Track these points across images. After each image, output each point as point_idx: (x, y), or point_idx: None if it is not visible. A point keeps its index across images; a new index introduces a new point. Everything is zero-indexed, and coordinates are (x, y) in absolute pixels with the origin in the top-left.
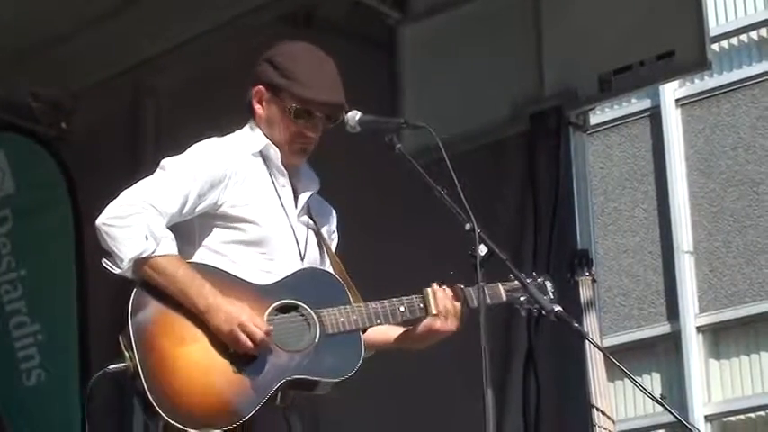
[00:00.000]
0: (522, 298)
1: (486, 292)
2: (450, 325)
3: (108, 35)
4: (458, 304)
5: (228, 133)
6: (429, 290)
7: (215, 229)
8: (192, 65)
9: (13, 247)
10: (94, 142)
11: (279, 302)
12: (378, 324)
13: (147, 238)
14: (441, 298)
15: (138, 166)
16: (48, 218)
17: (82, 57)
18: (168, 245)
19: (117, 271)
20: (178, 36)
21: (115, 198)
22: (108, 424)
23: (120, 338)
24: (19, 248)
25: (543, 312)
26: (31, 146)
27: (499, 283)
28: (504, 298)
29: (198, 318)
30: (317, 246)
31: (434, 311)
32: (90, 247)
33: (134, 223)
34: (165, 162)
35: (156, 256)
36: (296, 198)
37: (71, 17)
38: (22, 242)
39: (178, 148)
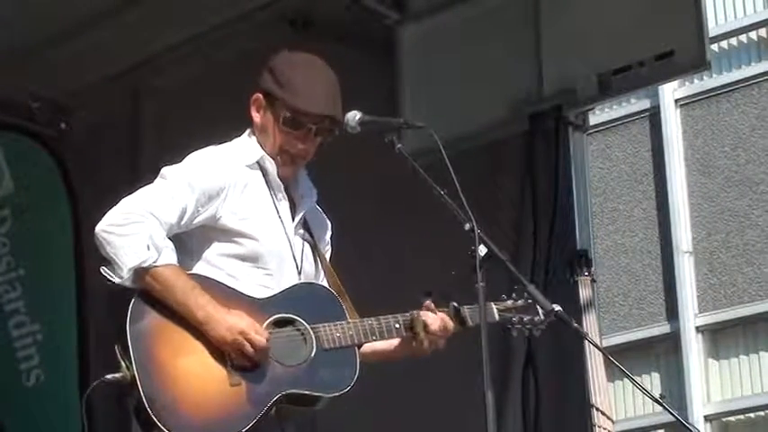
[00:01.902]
0: (513, 318)
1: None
2: (431, 347)
3: (108, 35)
4: (448, 326)
5: (227, 135)
6: (417, 313)
7: (213, 243)
8: (192, 65)
9: (12, 247)
10: (94, 142)
11: (275, 317)
12: (373, 340)
13: (148, 248)
14: (429, 322)
15: (137, 166)
16: (47, 217)
17: (82, 57)
18: (169, 255)
19: (116, 280)
20: (178, 36)
21: (115, 201)
22: (107, 427)
23: (117, 348)
24: (18, 248)
25: (532, 327)
26: (30, 146)
27: (492, 303)
28: (497, 318)
29: (196, 329)
30: (312, 259)
31: (421, 336)
32: (89, 246)
33: (135, 231)
34: (164, 171)
35: (156, 266)
36: (293, 209)
37: (71, 17)
38: (22, 242)
39: (178, 148)
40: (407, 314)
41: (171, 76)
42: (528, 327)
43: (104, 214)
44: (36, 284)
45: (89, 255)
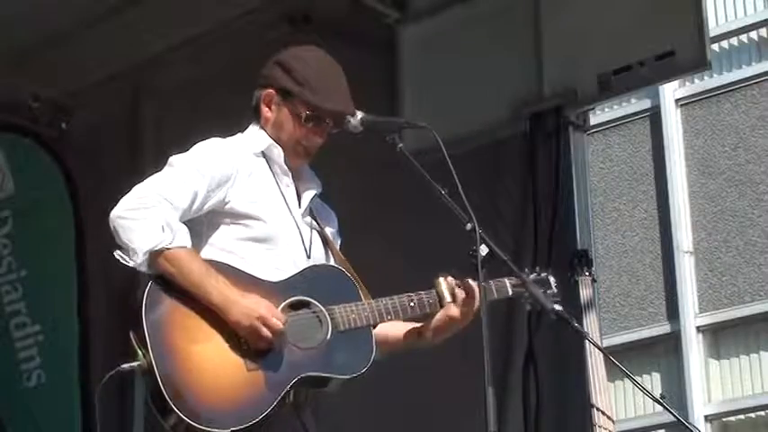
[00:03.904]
0: (526, 293)
1: (493, 287)
2: (467, 312)
3: (108, 35)
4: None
5: (227, 135)
6: (440, 280)
7: (222, 227)
8: (192, 65)
9: (13, 248)
10: (94, 142)
11: (290, 299)
12: (388, 320)
13: (163, 229)
14: (452, 287)
15: (138, 166)
16: (48, 219)
17: (82, 57)
18: (184, 237)
19: (131, 264)
20: (178, 36)
21: (116, 201)
22: (107, 424)
23: (132, 335)
24: (19, 249)
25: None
26: (31, 146)
27: (506, 279)
28: (510, 293)
29: (212, 313)
30: (321, 245)
31: (449, 299)
32: (90, 247)
33: (150, 216)
34: (173, 159)
35: (171, 248)
36: (299, 198)
37: (71, 17)
38: (23, 243)
39: (178, 148)
40: (422, 293)
41: (171, 76)
42: (542, 301)
43: (105, 215)
44: (37, 285)
45: (90, 256)
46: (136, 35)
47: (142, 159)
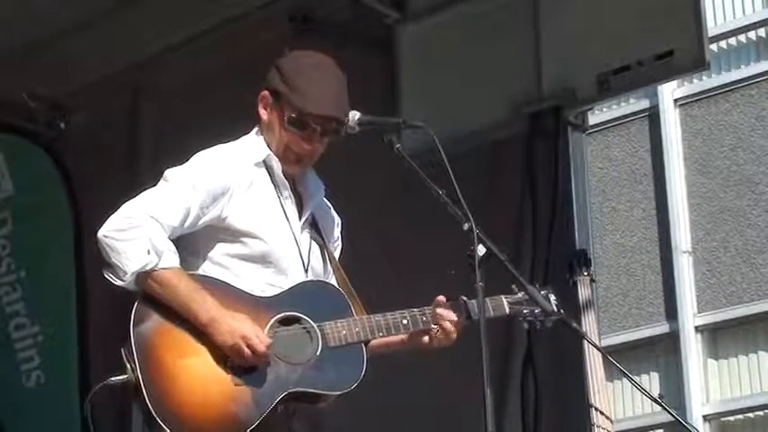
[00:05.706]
0: (524, 311)
1: (490, 305)
2: (447, 341)
3: (108, 35)
4: (454, 320)
5: (227, 135)
6: (438, 300)
7: (219, 243)
8: (192, 65)
9: (12, 249)
10: (93, 142)
11: (281, 315)
12: (380, 336)
13: (149, 252)
14: (442, 316)
15: (136, 166)
16: (47, 219)
17: (82, 56)
18: (170, 258)
19: (118, 283)
20: (178, 36)
21: (114, 202)
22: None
23: (123, 350)
24: (18, 250)
25: (544, 319)
26: (29, 147)
27: (503, 296)
28: (508, 311)
29: (199, 331)
30: (320, 256)
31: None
32: (89, 248)
33: (136, 236)
34: (168, 173)
35: (158, 270)
36: (300, 206)
37: (71, 17)
38: (22, 244)
39: (177, 148)
40: (415, 310)
41: (171, 76)
42: (540, 318)
43: (104, 216)
44: (36, 286)
45: (89, 256)
46: (136, 35)
47: (141, 159)
